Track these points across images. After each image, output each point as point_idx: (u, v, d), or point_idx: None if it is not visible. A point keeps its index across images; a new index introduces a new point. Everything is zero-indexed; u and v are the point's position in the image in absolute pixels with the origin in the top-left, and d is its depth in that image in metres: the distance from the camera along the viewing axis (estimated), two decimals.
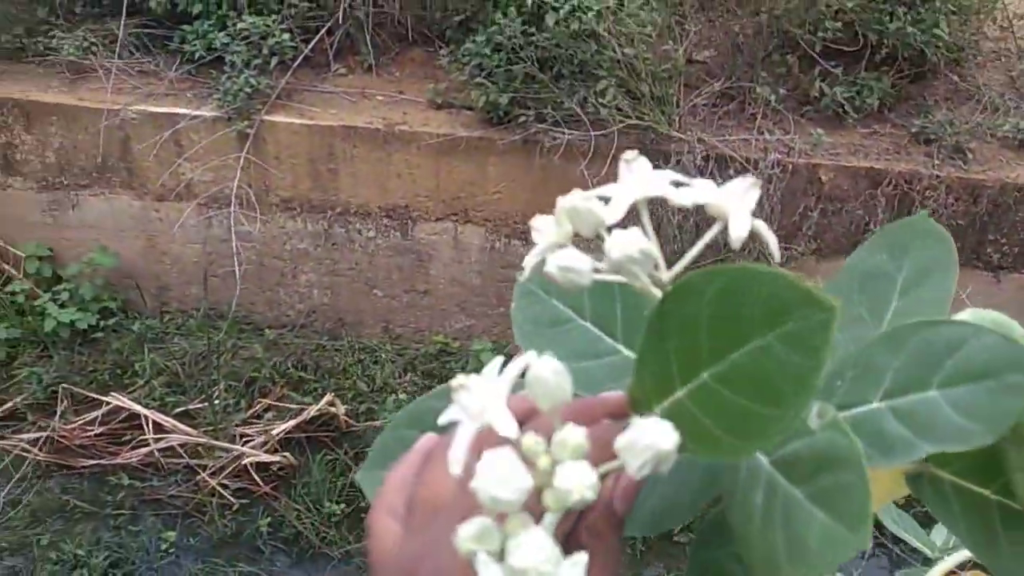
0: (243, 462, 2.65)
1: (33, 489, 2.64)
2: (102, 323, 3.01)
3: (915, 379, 0.34)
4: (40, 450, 2.70)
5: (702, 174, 2.74)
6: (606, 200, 0.34)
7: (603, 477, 0.29)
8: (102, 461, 2.70)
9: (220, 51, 2.90)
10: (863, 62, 2.92)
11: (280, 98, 2.89)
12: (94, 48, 3.01)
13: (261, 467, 2.66)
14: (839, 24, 2.84)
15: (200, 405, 2.79)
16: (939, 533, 0.84)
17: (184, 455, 2.69)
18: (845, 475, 0.29)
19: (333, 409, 2.77)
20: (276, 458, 2.68)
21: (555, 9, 2.62)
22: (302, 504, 2.61)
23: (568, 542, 0.30)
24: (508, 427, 0.29)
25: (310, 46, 2.97)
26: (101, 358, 2.96)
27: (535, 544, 0.26)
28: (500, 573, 0.27)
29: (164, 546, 2.51)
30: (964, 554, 0.57)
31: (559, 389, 0.30)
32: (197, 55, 2.94)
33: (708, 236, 0.34)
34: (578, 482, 0.28)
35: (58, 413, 2.75)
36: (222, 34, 2.91)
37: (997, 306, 0.40)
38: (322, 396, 2.80)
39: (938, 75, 3.12)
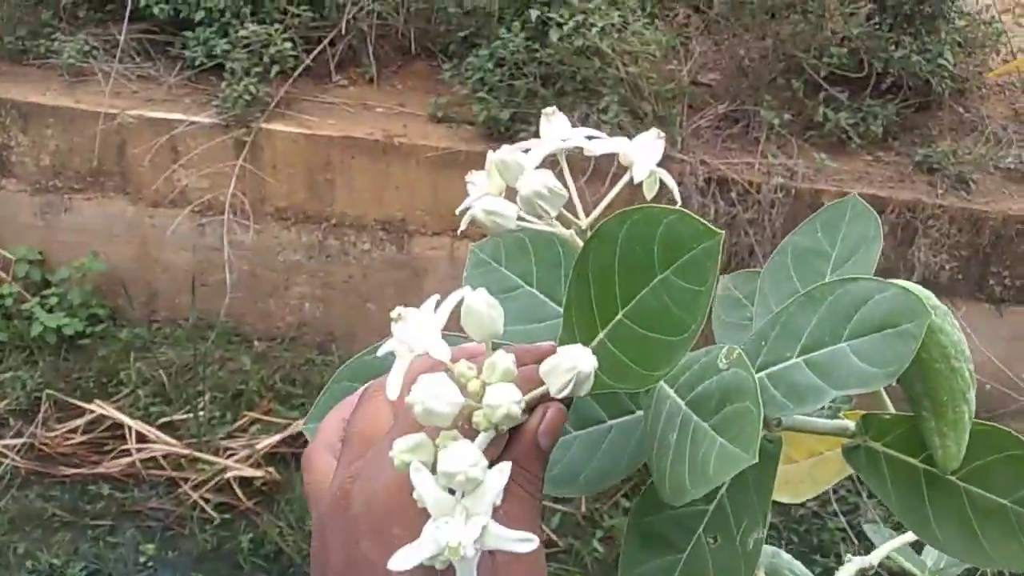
0: (226, 476, 2.61)
1: (10, 495, 2.59)
2: (89, 329, 2.97)
3: (828, 333, 0.37)
4: (21, 456, 2.66)
5: (703, 196, 2.72)
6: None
7: (530, 412, 0.32)
8: (83, 470, 2.66)
9: (221, 58, 2.89)
10: (868, 90, 2.92)
11: (279, 107, 2.88)
12: (95, 52, 3.00)
13: (244, 482, 2.62)
14: (845, 50, 2.84)
15: (185, 416, 2.76)
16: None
17: (167, 467, 2.65)
18: (742, 404, 0.32)
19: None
20: (260, 473, 2.63)
21: (559, 25, 2.61)
22: (284, 521, 2.56)
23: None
24: (443, 353, 0.31)
25: (312, 56, 2.97)
26: (87, 365, 2.92)
27: (464, 451, 0.29)
28: (431, 479, 0.29)
29: (143, 559, 2.46)
30: (874, 558, 0.59)
31: (491, 320, 0.32)
32: (198, 61, 2.94)
33: (619, 184, 0.37)
34: (506, 398, 0.30)
35: (40, 420, 2.71)
36: (223, 41, 2.91)
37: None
38: (309, 411, 2.75)
39: (942, 106, 3.12)
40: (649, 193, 0.38)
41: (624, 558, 0.39)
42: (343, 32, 2.99)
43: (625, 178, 0.38)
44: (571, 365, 0.31)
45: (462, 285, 0.44)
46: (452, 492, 0.29)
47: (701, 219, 0.31)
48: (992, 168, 2.92)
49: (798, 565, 0.45)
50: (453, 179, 2.80)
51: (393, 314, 0.32)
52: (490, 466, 0.29)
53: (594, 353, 0.33)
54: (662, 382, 0.35)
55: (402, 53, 3.15)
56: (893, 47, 2.85)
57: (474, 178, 0.38)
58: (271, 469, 2.65)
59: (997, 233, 2.78)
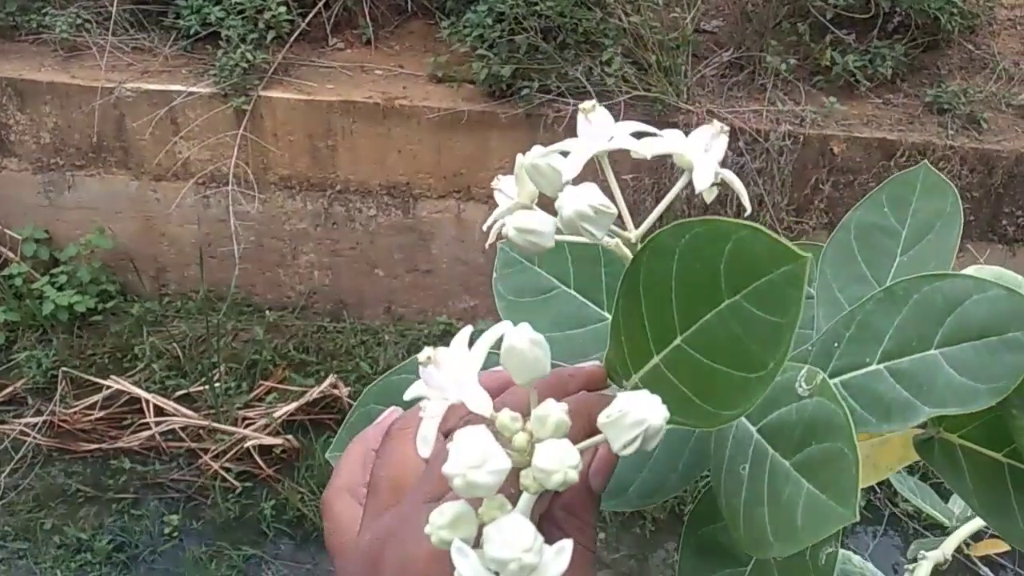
0: (245, 445, 2.63)
1: (35, 473, 2.62)
2: (100, 306, 2.97)
3: (915, 338, 0.32)
4: (41, 434, 2.68)
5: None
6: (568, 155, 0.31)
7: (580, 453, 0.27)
8: (103, 445, 2.68)
9: (215, 26, 2.84)
10: (875, 30, 2.85)
11: (277, 73, 2.83)
12: (87, 25, 2.95)
13: (264, 450, 2.63)
14: None
15: (201, 388, 2.76)
16: (957, 502, 0.83)
17: (186, 439, 2.67)
18: (833, 444, 0.28)
19: (336, 391, 2.73)
20: (279, 441, 2.65)
21: None
22: (305, 487, 2.59)
23: (540, 522, 0.27)
24: (482, 404, 0.27)
25: (307, 20, 2.91)
26: (100, 341, 2.93)
27: (516, 531, 0.24)
28: (478, 564, 0.24)
29: (167, 530, 2.49)
30: (978, 523, 0.56)
31: (536, 361, 0.27)
32: (192, 30, 2.88)
33: (675, 189, 0.32)
34: (560, 462, 0.25)
35: (58, 397, 2.72)
36: (217, 8, 2.85)
37: None
38: (324, 378, 2.76)
39: (952, 44, 3.05)
40: (709, 197, 0.32)
41: (681, 570, 0.36)
42: None
43: (680, 183, 0.32)
44: (638, 418, 0.26)
45: (492, 286, 0.41)
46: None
47: (780, 238, 0.26)
48: (1004, 106, 2.86)
49: (871, 568, 0.43)
50: (456, 140, 2.76)
51: (421, 357, 0.27)
52: (538, 522, 0.25)
53: (649, 381, 0.29)
54: None
55: (398, 12, 3.08)
56: None
57: (502, 184, 0.34)
58: (290, 437, 2.67)
59: (1010, 172, 2.73)
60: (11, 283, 2.97)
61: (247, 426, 2.67)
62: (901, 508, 2.38)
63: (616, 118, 0.33)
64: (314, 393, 2.71)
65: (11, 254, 2.99)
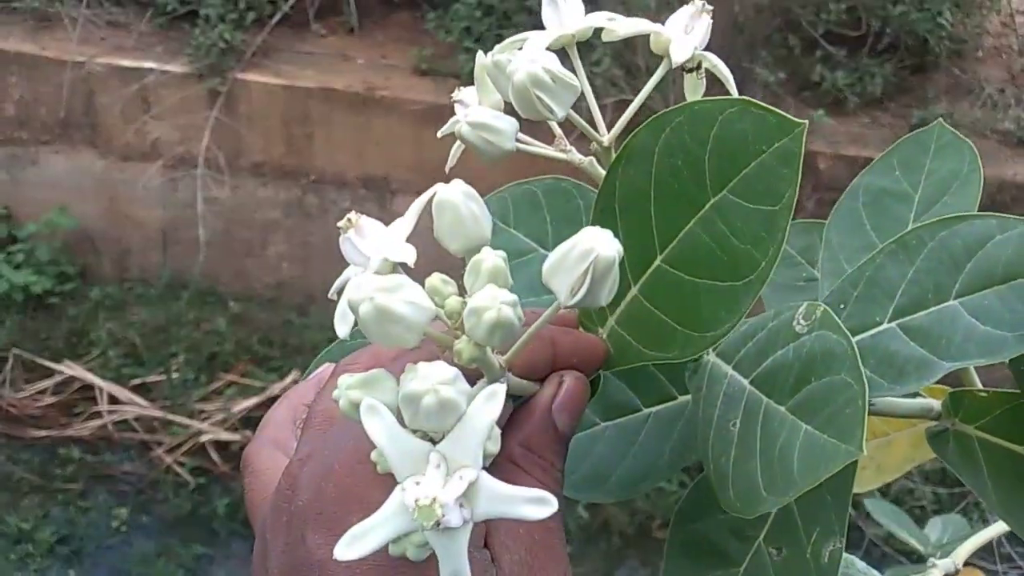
0: (201, 440, 2.56)
1: None
2: (58, 288, 2.88)
3: (930, 290, 0.29)
4: None
5: None
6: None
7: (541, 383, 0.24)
8: (52, 432, 2.60)
9: (193, 4, 2.78)
10: (865, 49, 2.87)
11: (255, 56, 2.77)
12: None
13: (220, 446, 2.57)
14: (843, 7, 2.78)
15: (158, 378, 2.69)
16: (933, 528, 0.81)
17: (139, 430, 2.60)
18: (835, 377, 0.24)
19: None
20: (236, 437, 2.58)
21: None
22: None
23: (498, 466, 0.23)
24: (406, 254, 0.25)
25: (290, 3, 2.85)
26: (56, 325, 2.84)
27: (434, 368, 0.20)
28: (393, 423, 0.20)
29: (115, 523, 2.41)
30: (956, 559, 0.51)
31: (472, 220, 0.23)
32: (169, 7, 2.83)
33: (654, 79, 0.30)
34: (493, 298, 0.21)
35: (7, 380, 2.64)
36: None
37: None
38: (287, 374, 2.70)
39: (939, 68, 3.08)
40: (693, 93, 0.30)
41: (667, 571, 0.32)
42: None
43: (660, 72, 0.29)
44: (585, 249, 0.22)
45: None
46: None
47: (774, 109, 0.23)
48: (988, 132, 2.89)
49: (875, 574, 0.38)
50: (436, 135, 2.71)
51: (341, 222, 0.24)
52: (488, 462, 0.20)
53: (626, 317, 0.25)
54: (715, 357, 0.27)
55: (384, 2, 3.05)
56: (892, 3, 2.79)
57: (463, 95, 0.31)
58: (248, 433, 2.59)
59: (992, 198, 2.74)
60: None
61: (204, 420, 2.60)
62: (872, 532, 2.36)
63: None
64: (276, 389, 2.65)
65: None
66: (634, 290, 0.26)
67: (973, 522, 1.43)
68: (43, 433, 2.58)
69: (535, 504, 0.19)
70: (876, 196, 0.38)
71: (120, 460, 2.56)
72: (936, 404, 0.33)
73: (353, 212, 0.25)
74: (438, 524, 0.19)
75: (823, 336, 0.25)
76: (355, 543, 0.19)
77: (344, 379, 0.22)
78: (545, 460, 0.25)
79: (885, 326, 0.30)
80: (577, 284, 0.22)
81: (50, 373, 2.64)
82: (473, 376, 0.21)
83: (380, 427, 0.20)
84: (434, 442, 0.20)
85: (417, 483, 0.19)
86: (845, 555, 0.32)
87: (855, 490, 0.39)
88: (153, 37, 2.86)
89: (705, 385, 0.28)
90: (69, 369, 2.66)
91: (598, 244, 0.22)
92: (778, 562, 0.30)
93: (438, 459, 0.20)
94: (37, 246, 2.86)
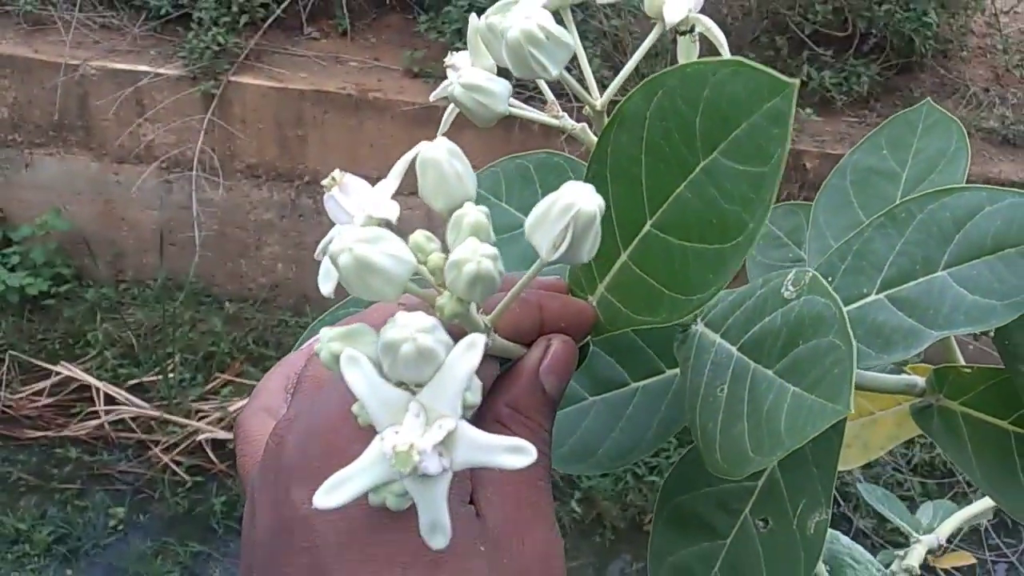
0: (198, 439, 2.56)
1: None
2: (54, 289, 2.88)
3: (920, 261, 0.29)
4: None
5: None
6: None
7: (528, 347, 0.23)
8: (49, 433, 2.60)
9: (187, 7, 2.78)
10: (852, 50, 2.89)
11: (249, 59, 2.78)
12: None
13: (216, 444, 2.57)
14: (829, 8, 2.80)
15: (154, 378, 2.70)
16: (925, 513, 0.83)
17: (136, 429, 2.60)
18: (822, 339, 0.24)
19: None
20: (232, 435, 2.58)
21: None
22: None
23: (485, 426, 0.22)
24: (389, 209, 0.24)
25: (282, 6, 2.86)
26: (52, 326, 2.85)
27: (413, 318, 0.20)
28: (373, 373, 0.20)
29: (113, 523, 2.41)
30: (940, 535, 0.54)
31: (456, 178, 0.23)
32: (163, 11, 2.83)
33: (648, 41, 0.29)
34: (474, 251, 0.21)
35: (4, 381, 2.64)
36: None
37: None
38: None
39: (925, 67, 3.10)
40: (687, 56, 0.29)
41: (653, 545, 0.32)
42: None
43: (654, 34, 0.28)
44: (566, 204, 0.21)
45: None
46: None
47: (766, 68, 0.23)
48: (973, 130, 2.91)
49: (858, 550, 0.39)
50: (429, 136, 2.72)
51: (326, 180, 0.24)
52: (473, 418, 0.20)
53: (616, 283, 0.25)
54: (703, 327, 0.27)
55: (376, 5, 3.05)
56: (878, 4, 2.82)
57: (455, 60, 0.30)
58: None
59: None
60: None
61: (200, 419, 2.61)
62: (861, 523, 2.39)
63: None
64: None
65: None
66: (624, 256, 0.25)
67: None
68: (40, 433, 2.58)
69: (514, 453, 0.19)
70: (863, 175, 0.38)
71: (117, 460, 2.56)
72: (920, 381, 0.33)
73: (337, 170, 0.24)
74: (416, 470, 0.19)
75: (811, 300, 0.25)
76: (334, 491, 0.19)
77: (326, 332, 0.22)
78: (532, 421, 0.25)
79: (873, 297, 0.30)
80: (559, 239, 0.21)
81: (47, 374, 2.64)
82: (459, 336, 0.21)
83: (360, 377, 0.20)
84: (415, 394, 0.20)
85: (396, 432, 0.19)
86: (830, 531, 0.32)
87: (840, 468, 0.41)
88: (147, 40, 2.86)
89: (693, 355, 0.28)
90: (66, 370, 2.66)
91: (579, 198, 0.21)
92: (764, 533, 0.30)
93: (417, 408, 0.20)
94: (32, 248, 2.87)
